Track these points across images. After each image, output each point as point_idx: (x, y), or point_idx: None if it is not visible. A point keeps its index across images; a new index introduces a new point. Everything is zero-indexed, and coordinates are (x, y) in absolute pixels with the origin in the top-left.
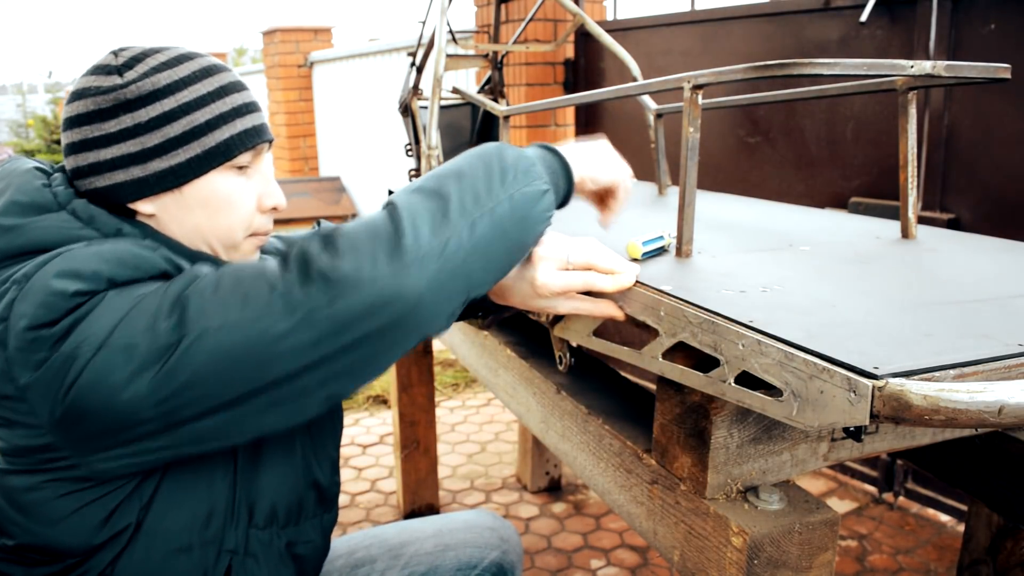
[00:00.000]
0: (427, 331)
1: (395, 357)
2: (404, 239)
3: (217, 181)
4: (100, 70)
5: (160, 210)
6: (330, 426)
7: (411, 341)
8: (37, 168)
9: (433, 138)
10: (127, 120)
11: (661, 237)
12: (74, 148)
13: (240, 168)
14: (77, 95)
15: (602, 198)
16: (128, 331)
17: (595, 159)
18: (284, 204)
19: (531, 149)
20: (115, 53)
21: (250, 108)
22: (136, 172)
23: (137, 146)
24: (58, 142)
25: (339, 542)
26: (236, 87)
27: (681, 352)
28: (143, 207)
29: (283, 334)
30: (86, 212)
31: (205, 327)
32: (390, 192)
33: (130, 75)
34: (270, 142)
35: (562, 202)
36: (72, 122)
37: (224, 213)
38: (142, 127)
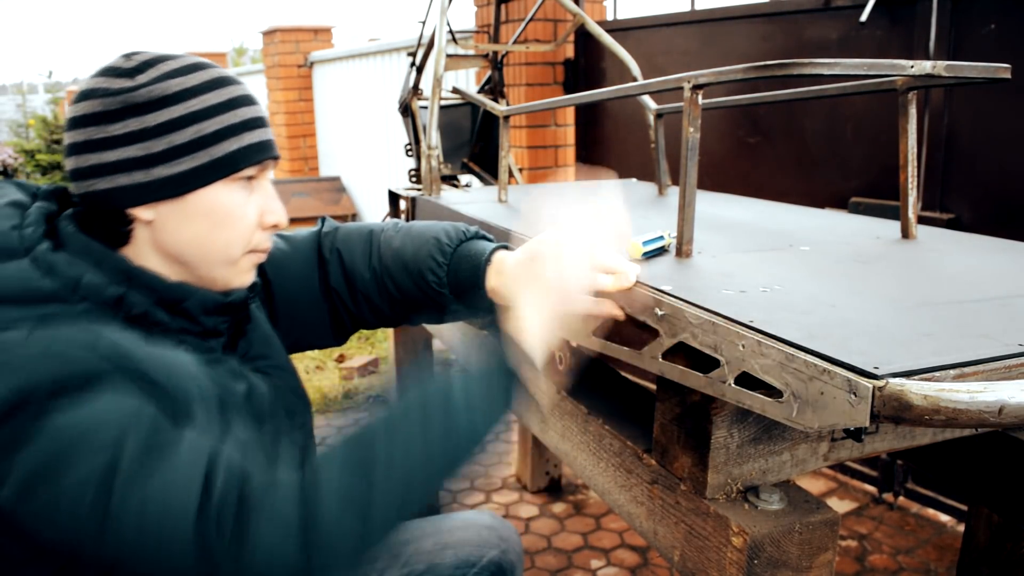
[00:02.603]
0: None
1: None
2: (318, 534)
3: (220, 193)
4: (110, 72)
5: (159, 218)
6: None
7: None
8: (13, 203)
9: (433, 138)
10: (134, 124)
11: (661, 237)
12: (77, 148)
13: (246, 181)
14: (84, 95)
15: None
16: (53, 494)
17: (551, 309)
18: (285, 223)
19: (478, 382)
20: (126, 56)
21: (259, 123)
22: (139, 177)
23: (142, 151)
24: (58, 142)
25: None
26: (247, 100)
27: (681, 352)
28: (142, 214)
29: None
30: (45, 261)
31: (118, 547)
32: (390, 192)
33: (141, 79)
34: (276, 159)
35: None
36: (77, 122)
37: (224, 226)
38: (149, 132)
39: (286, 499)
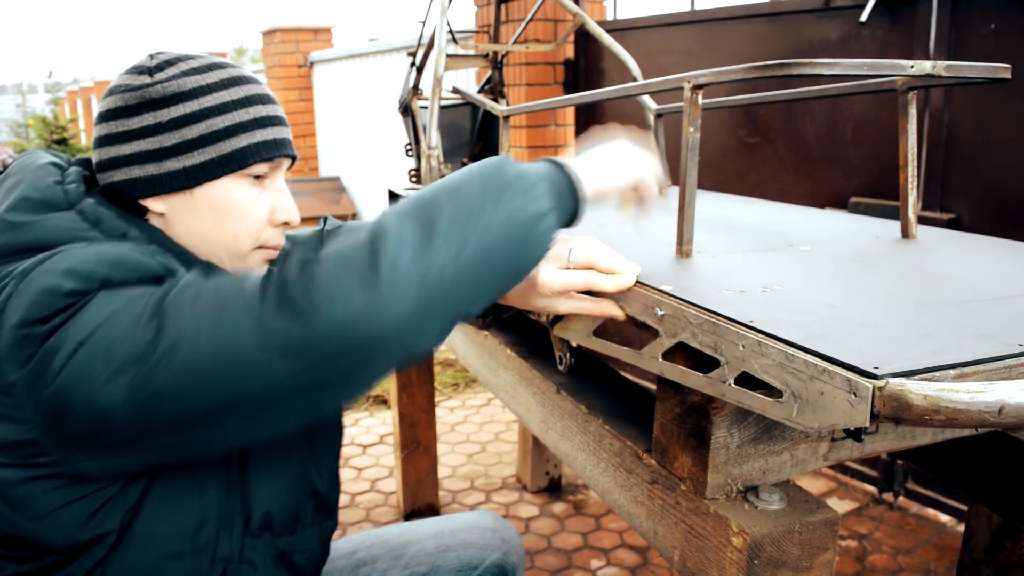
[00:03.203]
0: (407, 354)
1: (375, 378)
2: (381, 268)
3: (229, 187)
4: (134, 70)
5: (170, 210)
6: (331, 436)
7: (388, 364)
8: (52, 163)
9: (433, 138)
10: (149, 118)
11: None
12: (99, 142)
13: (256, 178)
14: (109, 91)
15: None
16: (109, 333)
17: (609, 165)
18: (297, 220)
19: (537, 165)
20: (151, 56)
21: (273, 121)
22: (151, 169)
23: (155, 144)
24: (58, 142)
25: (340, 543)
26: (262, 99)
27: (681, 352)
28: (154, 205)
29: (252, 356)
30: (94, 214)
31: (179, 338)
32: (390, 192)
33: (159, 76)
34: (292, 159)
35: (570, 220)
36: (101, 117)
37: (232, 221)
38: (162, 126)
39: (349, 241)
